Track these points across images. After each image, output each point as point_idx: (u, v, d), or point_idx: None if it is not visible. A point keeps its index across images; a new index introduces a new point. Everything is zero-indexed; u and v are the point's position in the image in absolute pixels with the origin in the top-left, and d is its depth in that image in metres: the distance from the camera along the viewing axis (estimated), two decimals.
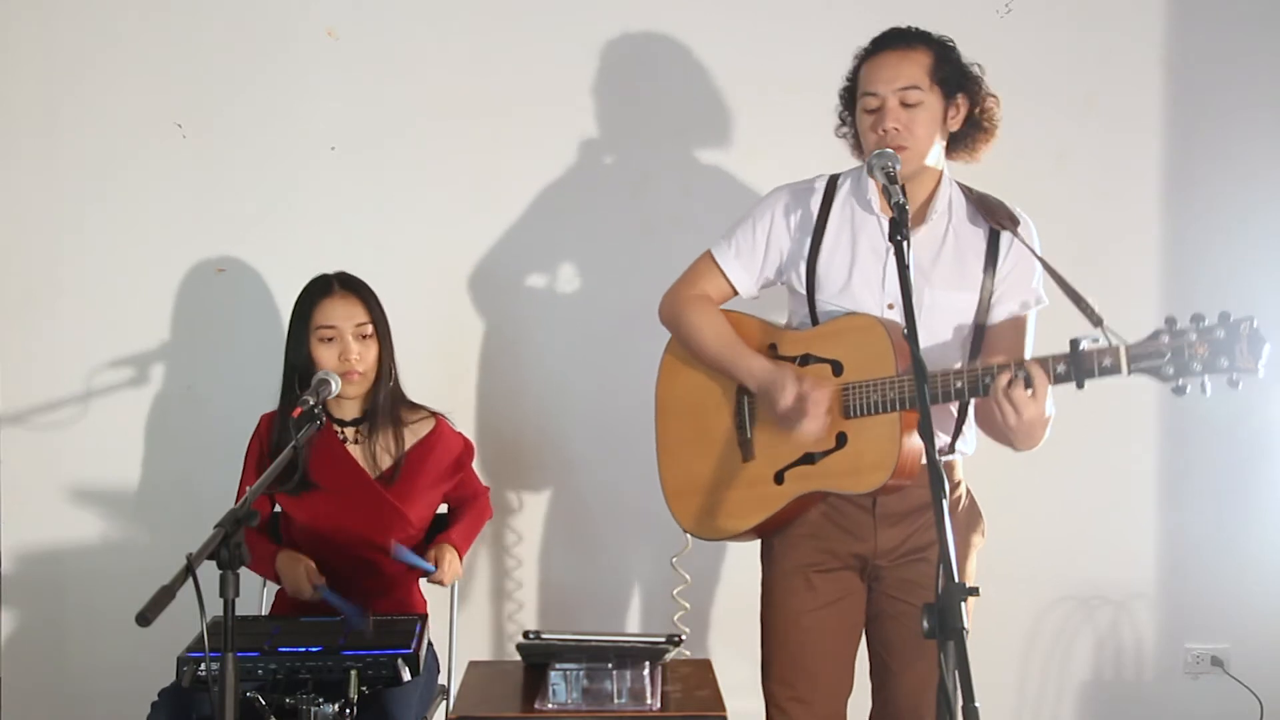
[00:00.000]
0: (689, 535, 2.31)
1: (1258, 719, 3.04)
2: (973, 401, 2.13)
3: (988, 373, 1.91)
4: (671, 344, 2.32)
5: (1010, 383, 1.87)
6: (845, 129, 2.23)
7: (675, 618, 2.41)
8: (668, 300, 2.29)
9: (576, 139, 2.98)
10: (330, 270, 2.48)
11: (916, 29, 2.11)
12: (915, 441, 1.97)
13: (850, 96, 2.18)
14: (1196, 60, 2.99)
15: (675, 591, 2.45)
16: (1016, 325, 2.12)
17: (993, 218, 2.10)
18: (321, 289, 2.43)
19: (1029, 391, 1.87)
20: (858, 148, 2.22)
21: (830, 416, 2.03)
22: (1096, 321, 1.87)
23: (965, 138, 2.14)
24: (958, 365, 2.04)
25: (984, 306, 2.10)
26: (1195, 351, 1.77)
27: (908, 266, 1.73)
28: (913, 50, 2.07)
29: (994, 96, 2.14)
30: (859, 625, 2.21)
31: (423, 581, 2.44)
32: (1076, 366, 1.84)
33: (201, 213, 2.97)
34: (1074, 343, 1.85)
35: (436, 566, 2.35)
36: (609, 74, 2.97)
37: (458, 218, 2.98)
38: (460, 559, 2.42)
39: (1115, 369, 1.82)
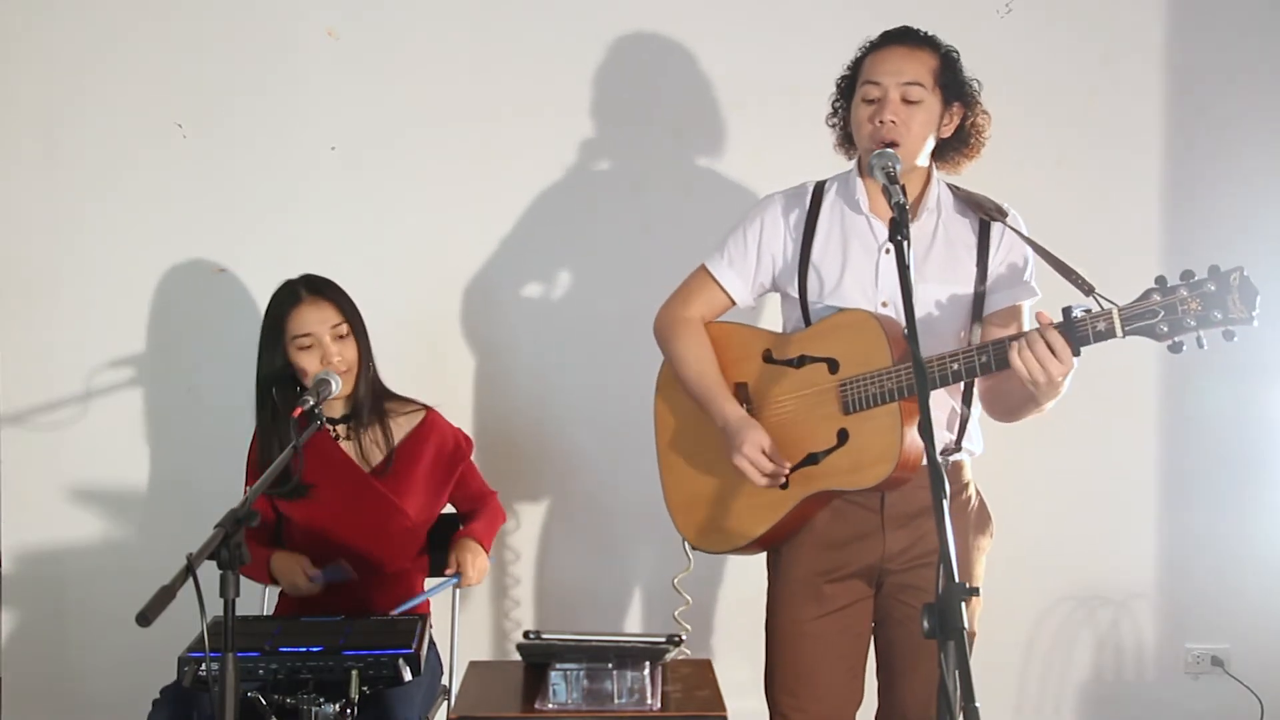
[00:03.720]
0: (690, 557, 2.30)
1: (1258, 719, 3.05)
2: (975, 397, 2.13)
3: (983, 351, 1.90)
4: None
5: (1029, 345, 1.83)
6: (835, 119, 2.21)
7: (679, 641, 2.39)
8: (661, 320, 2.29)
9: (575, 141, 2.98)
10: (327, 270, 2.48)
11: (926, 32, 2.11)
12: (917, 431, 1.96)
13: (849, 87, 2.16)
14: (1196, 61, 2.99)
15: (677, 612, 2.42)
16: (1014, 314, 2.11)
17: (981, 210, 2.10)
18: (290, 298, 2.40)
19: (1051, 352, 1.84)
20: (844, 141, 2.22)
21: (783, 476, 2.06)
22: (1088, 290, 1.86)
23: (950, 149, 2.15)
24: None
25: (979, 298, 2.10)
26: (1188, 307, 1.75)
27: (908, 266, 1.72)
28: (920, 50, 2.08)
29: (987, 114, 2.14)
30: (866, 633, 2.19)
31: (426, 582, 2.44)
32: (1071, 334, 1.83)
33: (201, 212, 2.97)
34: (1066, 310, 1.84)
35: (460, 571, 2.36)
36: (609, 76, 2.97)
37: (457, 219, 2.98)
38: (487, 552, 2.43)
39: (1110, 333, 1.81)
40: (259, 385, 2.42)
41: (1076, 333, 1.83)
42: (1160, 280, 1.79)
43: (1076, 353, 1.84)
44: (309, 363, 2.37)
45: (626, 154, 2.99)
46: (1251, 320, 1.74)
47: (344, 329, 2.40)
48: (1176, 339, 1.78)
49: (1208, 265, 1.76)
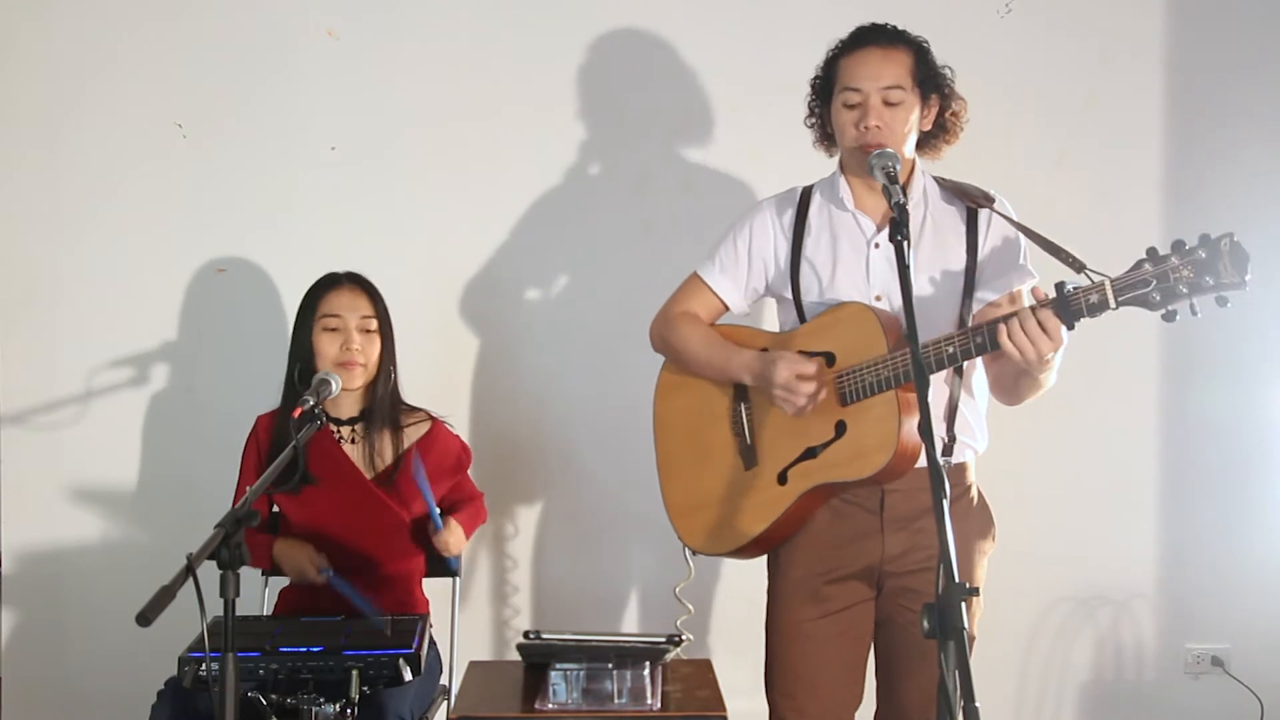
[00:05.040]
0: (691, 565, 2.29)
1: (1258, 719, 3.05)
2: (971, 384, 2.13)
3: (978, 333, 1.90)
4: (667, 364, 2.32)
5: (1020, 322, 1.83)
6: (813, 119, 2.22)
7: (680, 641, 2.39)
8: (657, 323, 2.30)
9: (575, 141, 2.98)
10: (326, 269, 2.50)
11: (894, 27, 2.11)
12: (916, 422, 1.95)
13: (826, 88, 2.16)
14: (1196, 60, 2.99)
15: (679, 621, 2.40)
16: (1012, 300, 2.10)
17: (968, 198, 2.10)
18: (330, 281, 2.47)
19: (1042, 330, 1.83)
20: (823, 139, 2.23)
21: (826, 392, 2.03)
22: (1079, 268, 1.86)
23: (930, 136, 2.16)
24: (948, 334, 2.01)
25: (971, 287, 2.09)
26: (1180, 275, 1.75)
27: (908, 266, 1.73)
28: (895, 49, 2.07)
29: (962, 99, 2.15)
30: (866, 636, 2.18)
31: (425, 582, 2.44)
32: (1064, 308, 1.82)
33: (202, 212, 2.97)
34: (1059, 285, 1.83)
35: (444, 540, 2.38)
36: (609, 76, 2.97)
37: (457, 219, 2.98)
38: (467, 537, 2.45)
39: (1103, 305, 1.80)
40: (289, 368, 2.45)
41: (1070, 306, 1.82)
42: (1151, 251, 1.79)
43: (1071, 327, 1.83)
44: (329, 346, 2.39)
45: (626, 154, 2.99)
46: (1244, 284, 1.73)
47: (372, 324, 2.43)
48: (1170, 308, 1.77)
49: (1198, 234, 1.76)
